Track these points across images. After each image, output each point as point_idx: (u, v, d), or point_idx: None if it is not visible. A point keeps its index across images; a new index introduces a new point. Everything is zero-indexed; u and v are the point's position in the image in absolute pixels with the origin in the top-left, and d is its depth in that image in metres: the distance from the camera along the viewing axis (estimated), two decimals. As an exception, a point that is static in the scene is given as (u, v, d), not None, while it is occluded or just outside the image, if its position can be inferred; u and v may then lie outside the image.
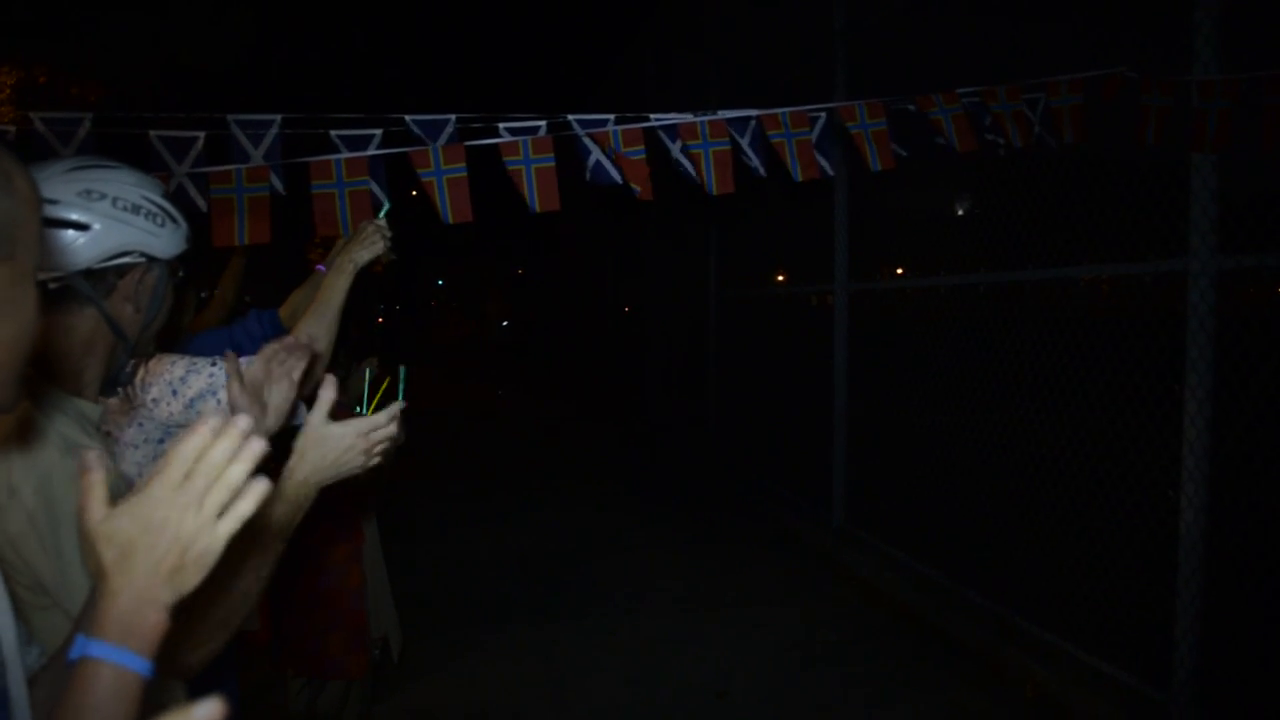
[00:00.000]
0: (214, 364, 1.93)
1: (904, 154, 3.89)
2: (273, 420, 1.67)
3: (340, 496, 3.50)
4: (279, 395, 1.72)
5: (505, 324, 21.01)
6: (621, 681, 4.67)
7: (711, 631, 5.28)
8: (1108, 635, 4.15)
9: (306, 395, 1.75)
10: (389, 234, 2.36)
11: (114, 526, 0.88)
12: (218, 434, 0.89)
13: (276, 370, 1.73)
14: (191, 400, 1.89)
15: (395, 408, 1.54)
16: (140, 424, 1.88)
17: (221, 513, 0.90)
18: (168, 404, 1.88)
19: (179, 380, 1.89)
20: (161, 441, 1.89)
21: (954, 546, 5.31)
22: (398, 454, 3.65)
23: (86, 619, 0.93)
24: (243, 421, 0.91)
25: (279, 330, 2.77)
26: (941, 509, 5.43)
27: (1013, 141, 3.90)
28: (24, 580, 1.42)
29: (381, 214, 2.47)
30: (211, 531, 0.89)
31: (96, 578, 0.90)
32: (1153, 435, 3.91)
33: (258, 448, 0.91)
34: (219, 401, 1.88)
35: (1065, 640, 4.37)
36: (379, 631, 3.62)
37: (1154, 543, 3.90)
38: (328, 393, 1.45)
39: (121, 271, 1.67)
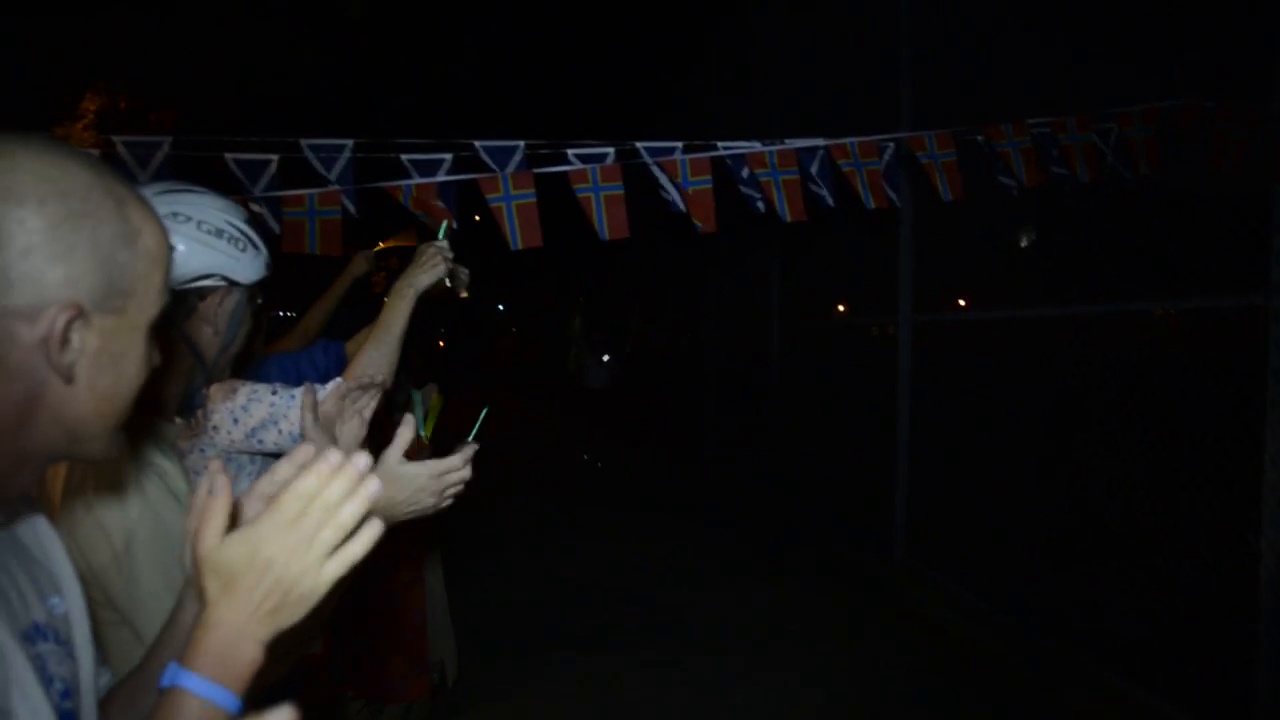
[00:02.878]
0: (274, 392, 1.92)
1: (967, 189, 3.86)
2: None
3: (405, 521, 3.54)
4: (350, 432, 1.72)
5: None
6: (681, 718, 4.62)
7: (773, 668, 5.19)
8: (1181, 681, 4.02)
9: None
10: (450, 255, 2.28)
11: (222, 557, 0.87)
12: (335, 472, 0.88)
13: (349, 408, 1.74)
14: (253, 429, 1.88)
15: (469, 450, 1.53)
16: (201, 450, 1.87)
17: (330, 553, 0.89)
18: (229, 431, 1.87)
19: (240, 409, 1.88)
20: None
21: (1021, 584, 5.19)
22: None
23: (180, 644, 0.93)
24: (361, 460, 0.89)
25: (343, 364, 2.78)
26: (1008, 545, 5.32)
27: (1079, 175, 3.84)
28: (95, 595, 1.45)
29: (441, 234, 2.35)
30: (318, 573, 0.88)
31: (200, 606, 0.90)
32: (1231, 476, 3.80)
33: (374, 488, 0.89)
34: (280, 431, 1.88)
35: (1134, 684, 4.24)
36: (436, 655, 3.63)
37: (1233, 586, 3.78)
38: (406, 431, 1.44)
39: (202, 294, 1.71)
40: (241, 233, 1.76)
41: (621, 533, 8.68)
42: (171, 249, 1.01)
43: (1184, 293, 4.05)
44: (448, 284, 2.32)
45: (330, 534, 0.88)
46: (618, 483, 11.39)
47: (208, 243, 1.69)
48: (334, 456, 0.88)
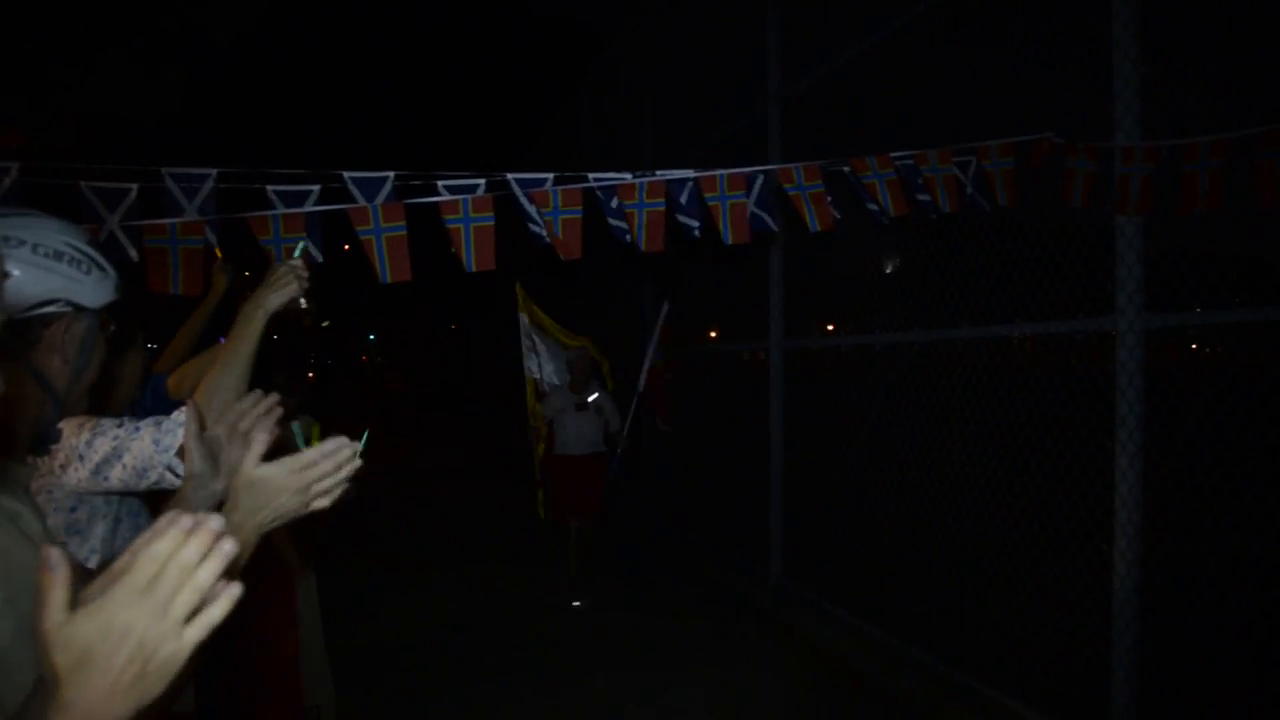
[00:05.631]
0: (120, 425, 1.83)
1: (839, 216, 3.94)
2: (223, 481, 1.57)
3: (268, 556, 3.41)
4: (237, 454, 1.62)
5: None
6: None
7: (655, 693, 5.20)
8: (1046, 688, 4.17)
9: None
10: (305, 274, 2.11)
11: (72, 631, 0.81)
12: (189, 534, 0.84)
13: (241, 427, 1.64)
14: (98, 465, 1.78)
15: (332, 444, 1.42)
16: (49, 491, 1.77)
17: (189, 618, 0.84)
18: (75, 469, 1.77)
19: (85, 444, 1.78)
20: (74, 510, 1.80)
21: (893, 601, 5.32)
22: (339, 514, 3.58)
23: None
24: (215, 521, 0.85)
25: (160, 399, 2.67)
26: (880, 564, 5.45)
27: (941, 205, 3.97)
28: None
29: (296, 252, 2.22)
30: (177, 638, 0.83)
31: (50, 685, 0.84)
32: (1085, 490, 3.98)
33: (230, 549, 0.85)
34: (124, 465, 1.79)
35: (1005, 695, 4.38)
36: (312, 700, 3.52)
37: (1089, 595, 3.95)
38: (260, 436, 1.39)
39: (46, 321, 1.63)
40: (84, 254, 1.68)
41: (503, 560, 8.64)
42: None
43: (1041, 317, 4.24)
44: (303, 304, 2.15)
45: (188, 597, 0.83)
46: (497, 508, 11.19)
47: (47, 266, 1.61)
48: (186, 520, 0.84)
